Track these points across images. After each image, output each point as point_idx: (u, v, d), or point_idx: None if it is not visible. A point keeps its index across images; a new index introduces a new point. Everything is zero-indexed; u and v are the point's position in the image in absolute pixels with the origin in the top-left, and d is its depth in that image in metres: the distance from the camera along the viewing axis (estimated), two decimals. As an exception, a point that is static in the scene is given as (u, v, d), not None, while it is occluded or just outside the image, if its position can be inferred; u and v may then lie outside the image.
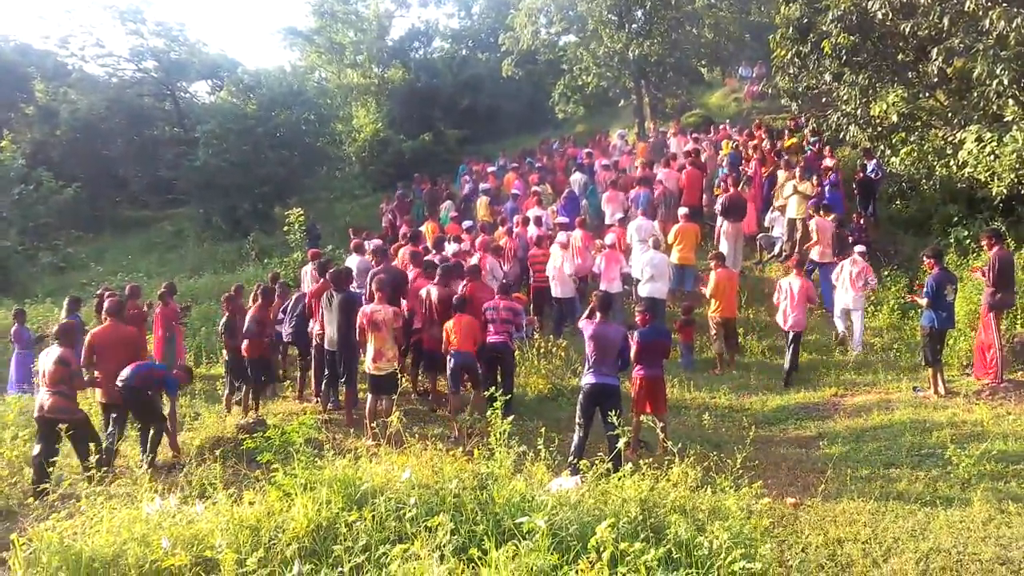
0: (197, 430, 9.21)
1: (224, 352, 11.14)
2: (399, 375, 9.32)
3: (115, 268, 23.25)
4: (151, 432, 8.52)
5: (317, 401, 10.68)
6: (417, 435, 6.99)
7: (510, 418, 5.85)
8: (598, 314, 8.41)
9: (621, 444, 5.70)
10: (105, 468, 6.66)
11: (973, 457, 7.59)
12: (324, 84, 35.34)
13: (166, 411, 8.91)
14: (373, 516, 4.69)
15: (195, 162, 27.16)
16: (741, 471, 5.80)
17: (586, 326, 8.42)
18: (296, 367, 11.97)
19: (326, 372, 10.37)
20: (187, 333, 13.85)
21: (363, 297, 10.49)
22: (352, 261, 13.62)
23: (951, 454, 7.65)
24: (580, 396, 8.41)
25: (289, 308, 11.49)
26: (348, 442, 8.18)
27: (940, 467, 7.86)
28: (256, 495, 5.39)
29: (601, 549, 3.87)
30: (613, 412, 6.73)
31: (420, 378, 11.43)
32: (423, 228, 16.75)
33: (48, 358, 8.14)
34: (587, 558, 4.04)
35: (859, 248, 12.58)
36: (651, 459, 6.26)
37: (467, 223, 16.59)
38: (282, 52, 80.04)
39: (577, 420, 8.35)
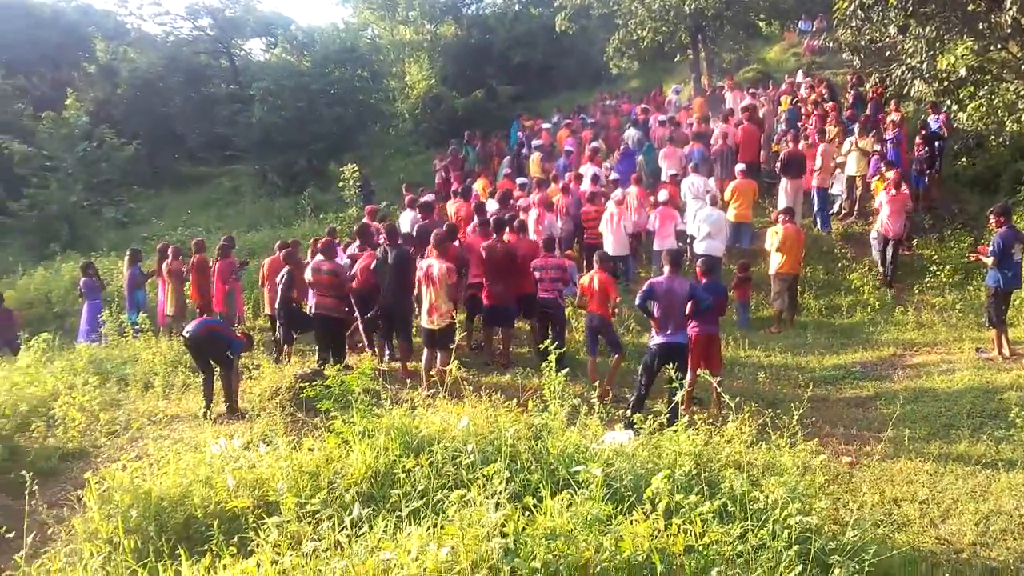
0: (257, 380, 9.45)
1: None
2: (455, 328, 9.40)
3: (175, 223, 23.72)
4: (223, 378, 8.93)
5: (373, 353, 10.86)
6: (472, 387, 7.09)
7: (564, 371, 5.87)
8: (667, 269, 8.36)
9: (678, 397, 5.67)
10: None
11: (1039, 420, 7.39)
12: (377, 41, 35.27)
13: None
14: (430, 463, 4.77)
15: (251, 119, 27.50)
16: (797, 428, 5.72)
17: (652, 283, 8.38)
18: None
19: (380, 325, 10.55)
20: (245, 286, 14.16)
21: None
22: (406, 217, 13.73)
23: (1015, 416, 7.45)
24: (646, 355, 8.41)
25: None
26: (404, 393, 8.32)
27: (1003, 429, 7.68)
28: (315, 442, 5.52)
29: (656, 500, 3.88)
30: (672, 366, 6.69)
31: (474, 332, 11.52)
32: (475, 185, 16.74)
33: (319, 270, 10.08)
34: (641, 508, 4.06)
35: (890, 174, 13.18)
36: (705, 415, 6.25)
37: (521, 180, 16.55)
38: (335, 9, 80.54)
39: (640, 378, 8.38)
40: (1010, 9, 13.01)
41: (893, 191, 12.77)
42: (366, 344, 11.02)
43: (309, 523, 4.25)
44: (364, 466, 4.85)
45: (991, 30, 14.00)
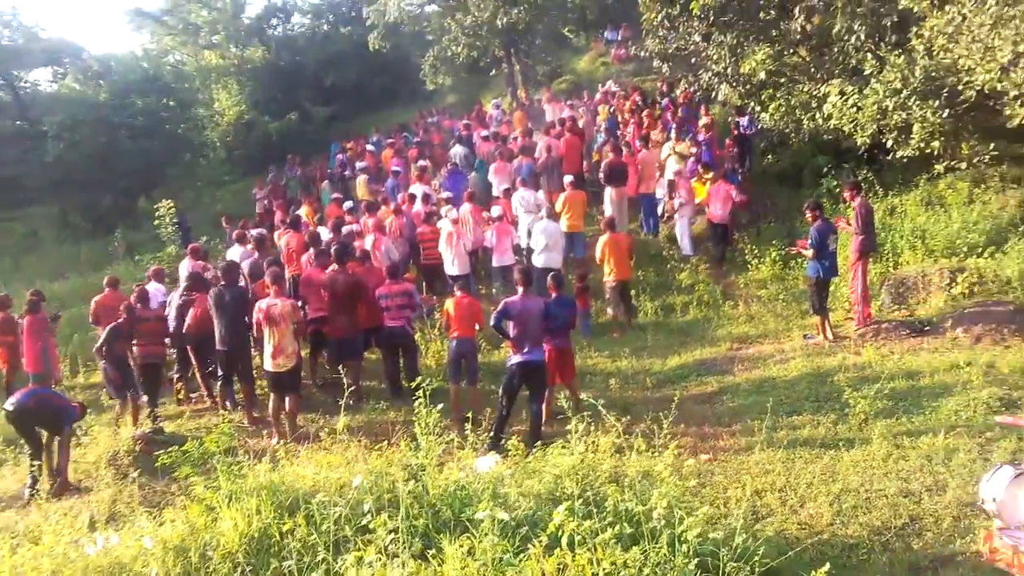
0: (89, 446, 8.62)
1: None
2: (301, 368, 9.00)
3: (-35, 276, 21.46)
4: (54, 449, 8.09)
5: (213, 402, 10.25)
6: (326, 429, 6.78)
7: (439, 407, 5.70)
8: (520, 289, 8.38)
9: (582, 428, 5.59)
10: None
11: (868, 398, 7.97)
12: (180, 67, 33.67)
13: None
14: (308, 522, 4.48)
15: (45, 157, 25.49)
16: (668, 435, 5.84)
17: (507, 303, 8.37)
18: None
19: (220, 372, 9.97)
20: (58, 341, 12.97)
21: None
22: (234, 252, 13.07)
23: (848, 397, 8.00)
24: (506, 376, 8.41)
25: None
26: (258, 444, 7.88)
27: (838, 410, 8.23)
28: (175, 511, 5.07)
29: (560, 533, 3.81)
30: (563, 397, 6.71)
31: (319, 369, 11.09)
32: (300, 212, 16.24)
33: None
34: (538, 541, 3.97)
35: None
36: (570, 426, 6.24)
37: (347, 204, 16.23)
38: (131, 35, 76.10)
39: (501, 400, 8.35)
40: (798, 18, 14.09)
41: (720, 185, 13.88)
42: (205, 393, 10.38)
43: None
44: (237, 533, 4.48)
45: (783, 36, 15.07)
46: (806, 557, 5.56)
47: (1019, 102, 11.04)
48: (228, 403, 10.05)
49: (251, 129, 29.81)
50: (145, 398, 9.99)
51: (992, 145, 12.50)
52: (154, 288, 11.56)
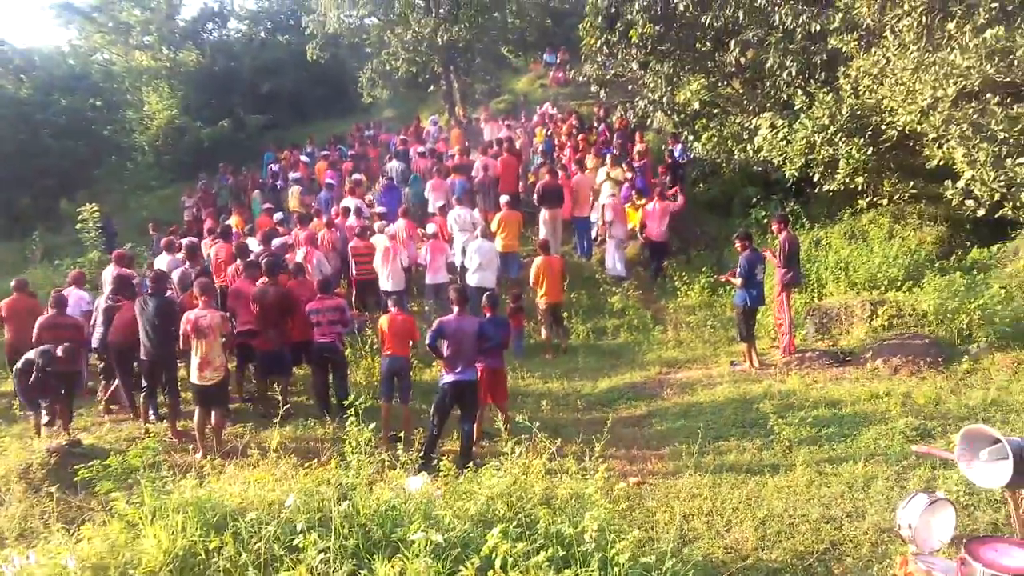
0: (-3, 457, 8.25)
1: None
2: (229, 382, 8.78)
3: None
4: None
5: (135, 414, 9.93)
6: (253, 445, 6.66)
7: (372, 426, 5.64)
8: (455, 308, 8.36)
9: (519, 450, 5.59)
10: None
11: (792, 425, 8.18)
12: (109, 67, 32.72)
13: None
14: (236, 540, 4.37)
15: (-42, 152, 24.48)
16: (600, 457, 5.89)
17: (442, 322, 8.35)
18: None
19: (143, 383, 9.66)
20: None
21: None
22: (162, 260, 12.73)
23: (773, 423, 8.19)
24: (438, 396, 8.37)
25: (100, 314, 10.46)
26: (182, 459, 7.65)
27: (763, 436, 8.40)
28: (94, 528, 4.88)
29: (494, 556, 3.81)
30: (497, 418, 6.69)
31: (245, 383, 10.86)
32: (230, 222, 15.92)
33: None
34: (470, 563, 3.96)
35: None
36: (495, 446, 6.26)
37: (278, 215, 15.99)
38: (57, 30, 73.50)
39: (432, 419, 8.30)
40: (733, 51, 14.50)
41: (656, 203, 14.23)
42: (127, 404, 10.05)
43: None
44: (160, 551, 4.34)
45: (718, 68, 15.50)
46: (731, 581, 5.64)
47: (937, 144, 11.54)
48: (151, 415, 9.74)
49: (182, 134, 29.20)
50: (57, 408, 9.57)
51: (912, 183, 13.05)
52: (76, 296, 11.15)
